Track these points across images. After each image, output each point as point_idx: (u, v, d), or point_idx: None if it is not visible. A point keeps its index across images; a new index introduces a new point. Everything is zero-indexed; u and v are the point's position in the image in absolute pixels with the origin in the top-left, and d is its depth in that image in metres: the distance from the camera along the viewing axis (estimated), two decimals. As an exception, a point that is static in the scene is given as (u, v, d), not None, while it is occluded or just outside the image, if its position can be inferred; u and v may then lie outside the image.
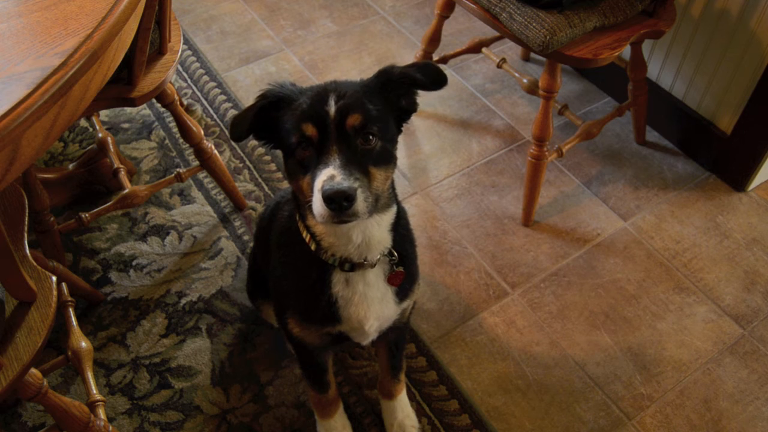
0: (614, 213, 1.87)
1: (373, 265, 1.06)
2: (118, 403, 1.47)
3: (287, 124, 0.93)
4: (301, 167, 0.93)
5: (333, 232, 1.00)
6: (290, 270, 1.14)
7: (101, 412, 1.28)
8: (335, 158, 0.88)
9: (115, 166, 1.68)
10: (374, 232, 1.02)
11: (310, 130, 0.90)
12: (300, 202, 1.00)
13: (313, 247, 1.04)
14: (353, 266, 1.04)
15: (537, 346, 1.59)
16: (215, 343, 1.57)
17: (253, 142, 2.02)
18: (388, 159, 0.95)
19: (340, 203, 0.85)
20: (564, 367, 1.55)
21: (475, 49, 2.04)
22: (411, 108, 1.01)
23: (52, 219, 1.55)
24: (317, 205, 0.88)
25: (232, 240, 1.77)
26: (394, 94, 0.98)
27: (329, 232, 1.00)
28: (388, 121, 0.97)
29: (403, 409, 1.42)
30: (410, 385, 1.50)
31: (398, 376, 1.38)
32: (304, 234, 1.04)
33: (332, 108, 0.90)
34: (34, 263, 1.11)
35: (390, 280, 1.10)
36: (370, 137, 0.92)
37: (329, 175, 0.86)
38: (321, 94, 0.92)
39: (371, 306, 1.10)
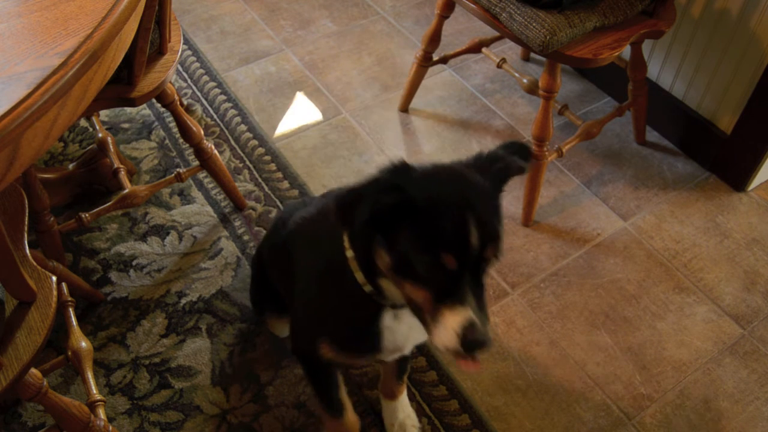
0: (614, 213, 1.87)
1: None
2: (118, 403, 1.47)
3: (418, 240, 0.83)
4: (420, 279, 0.86)
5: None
6: (335, 305, 1.08)
7: (101, 412, 1.28)
8: (469, 295, 0.83)
9: (115, 166, 1.67)
10: None
11: (451, 263, 0.82)
12: (380, 269, 0.92)
13: (367, 290, 0.98)
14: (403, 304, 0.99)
15: (537, 346, 1.59)
16: (215, 343, 1.57)
17: (253, 141, 2.02)
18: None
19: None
20: (564, 367, 1.55)
21: (475, 49, 2.04)
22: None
23: (52, 219, 1.55)
24: (446, 339, 0.84)
25: (232, 240, 1.77)
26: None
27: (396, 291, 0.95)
28: None
29: (404, 409, 1.42)
30: (410, 385, 1.50)
31: (402, 378, 1.39)
32: (360, 280, 0.98)
33: (474, 238, 0.82)
34: (34, 263, 1.11)
35: None
36: (493, 260, 0.86)
37: (468, 320, 0.82)
38: (459, 214, 0.82)
39: (412, 333, 1.08)
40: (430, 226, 0.83)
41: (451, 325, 0.83)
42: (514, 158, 0.94)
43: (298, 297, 1.17)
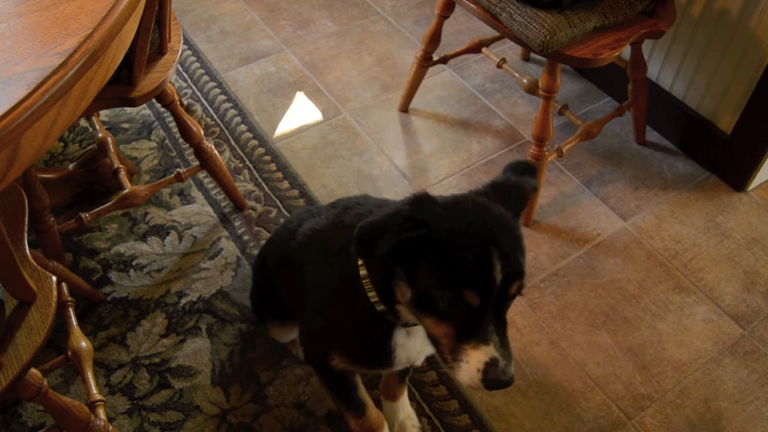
0: (614, 213, 1.87)
1: None
2: (118, 403, 1.47)
3: (440, 276, 0.83)
4: (441, 315, 0.85)
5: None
6: (346, 322, 1.07)
7: (101, 412, 1.28)
8: (492, 332, 0.83)
9: (115, 166, 1.67)
10: None
11: (474, 300, 0.82)
12: (397, 297, 0.91)
13: (379, 309, 0.98)
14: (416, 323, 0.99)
15: (537, 346, 1.59)
16: (215, 343, 1.57)
17: (253, 141, 2.02)
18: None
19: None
20: (564, 367, 1.55)
21: (475, 49, 2.04)
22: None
23: (52, 219, 1.55)
24: (468, 377, 0.84)
25: (232, 240, 1.77)
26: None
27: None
28: None
29: (404, 410, 1.42)
30: (410, 385, 1.50)
31: (405, 380, 1.39)
32: (373, 299, 0.98)
33: (498, 275, 0.81)
34: (34, 263, 1.11)
35: None
36: (516, 296, 0.86)
37: (492, 358, 0.82)
38: (482, 250, 0.81)
39: (424, 347, 1.07)
40: (452, 261, 0.81)
41: (474, 363, 0.83)
42: (525, 179, 0.93)
43: (309, 310, 1.16)
